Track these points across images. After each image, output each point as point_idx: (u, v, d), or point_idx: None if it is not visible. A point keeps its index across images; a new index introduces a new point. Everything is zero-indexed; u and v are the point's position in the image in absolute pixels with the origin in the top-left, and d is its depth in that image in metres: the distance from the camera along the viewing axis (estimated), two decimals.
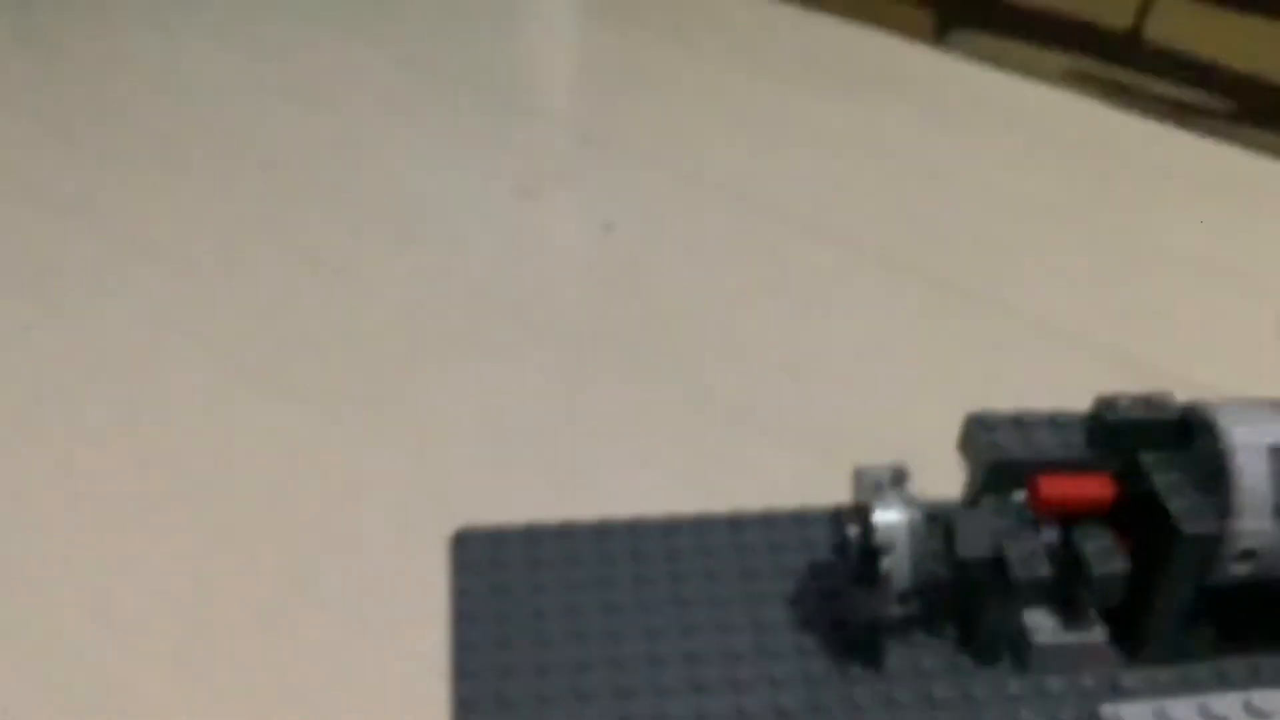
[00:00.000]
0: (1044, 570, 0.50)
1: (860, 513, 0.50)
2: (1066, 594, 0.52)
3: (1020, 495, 0.52)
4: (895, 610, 0.50)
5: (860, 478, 0.51)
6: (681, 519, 0.59)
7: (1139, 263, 0.77)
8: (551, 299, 0.73)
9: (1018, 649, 0.52)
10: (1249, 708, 0.42)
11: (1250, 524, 0.49)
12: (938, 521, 0.51)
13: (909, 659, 0.53)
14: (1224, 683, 0.52)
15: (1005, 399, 0.56)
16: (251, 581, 0.56)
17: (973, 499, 0.53)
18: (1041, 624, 0.52)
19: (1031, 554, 0.50)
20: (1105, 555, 0.50)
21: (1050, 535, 0.51)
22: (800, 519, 0.59)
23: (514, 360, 0.69)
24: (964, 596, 0.52)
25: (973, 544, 0.51)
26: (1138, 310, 0.73)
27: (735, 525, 0.59)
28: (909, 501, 0.50)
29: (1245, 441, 0.49)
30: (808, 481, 0.61)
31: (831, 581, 0.55)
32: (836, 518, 0.51)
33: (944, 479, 0.55)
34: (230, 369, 0.67)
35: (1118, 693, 0.51)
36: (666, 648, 0.53)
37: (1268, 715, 0.42)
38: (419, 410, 0.65)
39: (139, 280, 0.73)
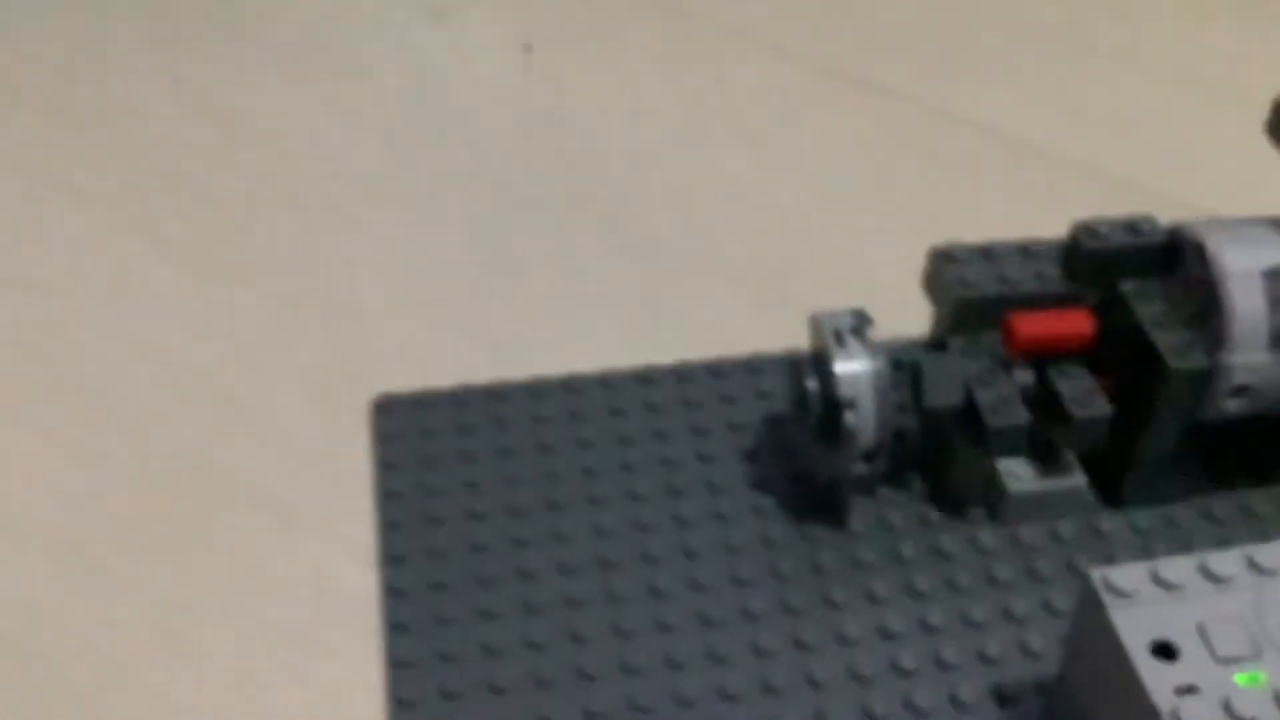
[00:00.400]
0: (1019, 417, 0.46)
1: (819, 364, 0.46)
2: (1043, 440, 0.48)
3: (991, 335, 0.48)
4: (860, 468, 0.46)
5: (818, 325, 0.46)
6: (622, 373, 0.54)
7: (1114, 73, 0.72)
8: (469, 136, 0.67)
9: (991, 500, 0.49)
10: (1253, 566, 0.38)
11: (1244, 357, 0.45)
12: (904, 369, 0.47)
13: (875, 516, 0.49)
14: (1214, 527, 0.48)
15: (973, 228, 0.51)
16: (152, 467, 0.51)
17: (940, 341, 0.49)
18: (1016, 472, 0.48)
19: (1005, 400, 0.46)
20: (1086, 397, 0.46)
21: (1025, 377, 0.47)
22: (752, 368, 0.54)
23: (431, 209, 0.62)
24: (933, 447, 0.48)
25: (942, 392, 0.46)
26: (1116, 124, 0.68)
27: (682, 377, 0.54)
28: (872, 350, 0.45)
29: (1238, 267, 0.45)
30: (759, 328, 0.56)
31: (789, 436, 0.51)
32: (794, 370, 0.47)
33: (908, 318, 0.51)
34: (113, 226, 0.60)
35: (1099, 540, 0.48)
36: (613, 517, 0.49)
37: (1274, 572, 0.39)
38: (329, 269, 0.59)
39: (13, 132, 0.65)
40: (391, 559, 0.47)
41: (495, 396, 0.53)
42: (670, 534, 0.48)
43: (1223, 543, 0.48)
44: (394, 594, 0.46)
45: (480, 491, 0.49)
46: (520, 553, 0.47)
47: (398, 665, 0.44)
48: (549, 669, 0.44)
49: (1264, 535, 0.48)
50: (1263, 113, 0.46)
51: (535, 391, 0.53)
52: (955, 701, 0.43)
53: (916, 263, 0.50)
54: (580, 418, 0.52)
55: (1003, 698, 0.44)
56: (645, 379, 0.54)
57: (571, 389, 0.53)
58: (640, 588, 0.46)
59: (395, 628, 0.45)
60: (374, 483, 0.50)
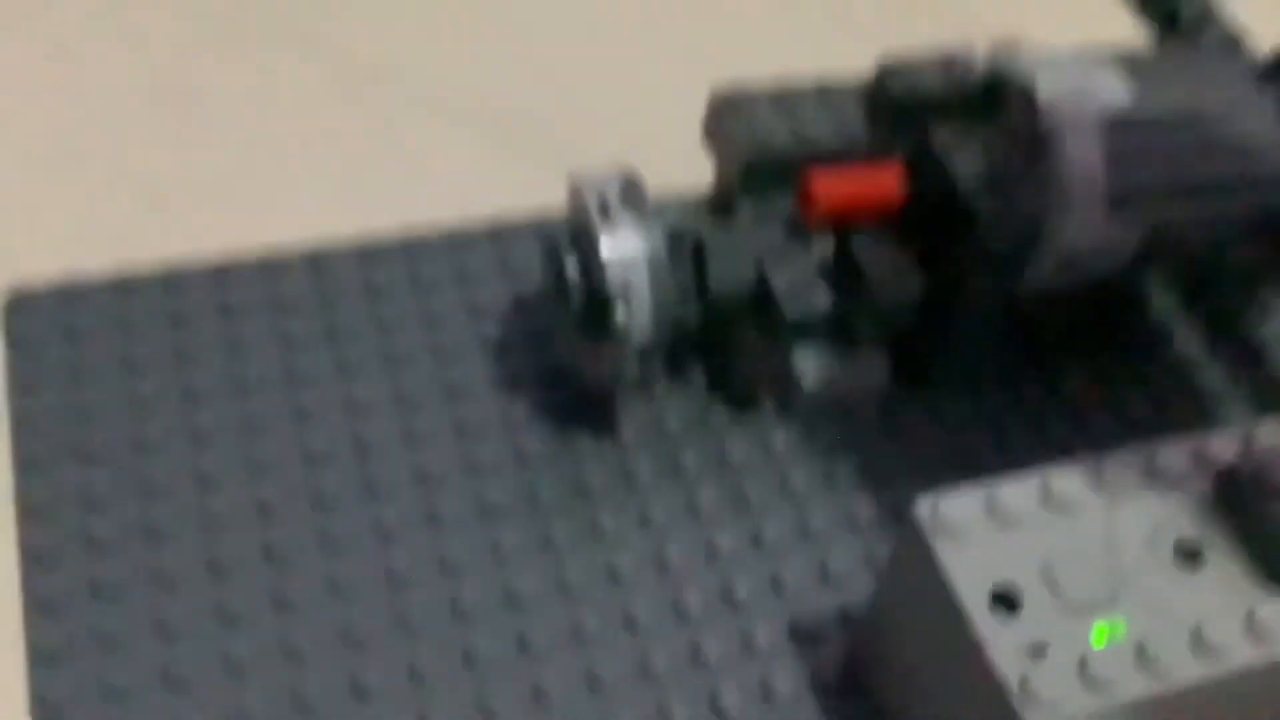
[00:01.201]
0: (820, 302, 0.38)
1: (581, 244, 0.36)
2: (843, 322, 0.40)
3: (784, 196, 0.40)
4: (633, 370, 0.37)
5: (578, 192, 0.37)
6: (335, 248, 0.43)
7: None
8: None
9: (783, 394, 0.41)
10: (1101, 485, 0.32)
11: (1076, 222, 0.38)
12: (683, 242, 0.38)
13: (649, 421, 0.41)
14: (1030, 416, 0.42)
15: (761, 63, 0.43)
16: None
17: (724, 203, 0.40)
18: (811, 361, 0.41)
19: (803, 282, 0.38)
20: (894, 274, 0.39)
21: (824, 248, 0.39)
22: (497, 236, 0.44)
23: (84, 32, 0.49)
24: (718, 335, 0.40)
25: (729, 275, 0.38)
26: None
27: (410, 250, 0.44)
28: (646, 226, 0.36)
29: (1072, 115, 0.37)
30: (503, 183, 0.46)
31: (546, 323, 0.42)
32: (550, 254, 0.37)
33: (686, 169, 0.42)
34: None
35: (905, 437, 0.41)
36: (325, 435, 0.39)
37: (1124, 491, 0.33)
38: None
39: None
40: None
41: (169, 284, 0.42)
42: (399, 454, 0.39)
43: (1038, 432, 0.42)
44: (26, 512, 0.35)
45: (148, 410, 0.39)
46: (206, 494, 0.37)
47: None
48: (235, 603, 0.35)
49: (1087, 430, 0.42)
50: None
51: (223, 275, 0.42)
52: (748, 645, 0.36)
53: (695, 106, 0.41)
54: (281, 307, 0.42)
55: (801, 635, 0.37)
56: (365, 254, 0.43)
57: (270, 270, 0.42)
58: (364, 527, 0.37)
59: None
60: (6, 400, 0.38)
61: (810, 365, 0.40)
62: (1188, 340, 0.45)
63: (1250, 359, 0.45)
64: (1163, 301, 0.46)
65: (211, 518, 0.37)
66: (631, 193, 0.36)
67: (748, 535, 0.39)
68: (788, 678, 0.36)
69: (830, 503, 0.40)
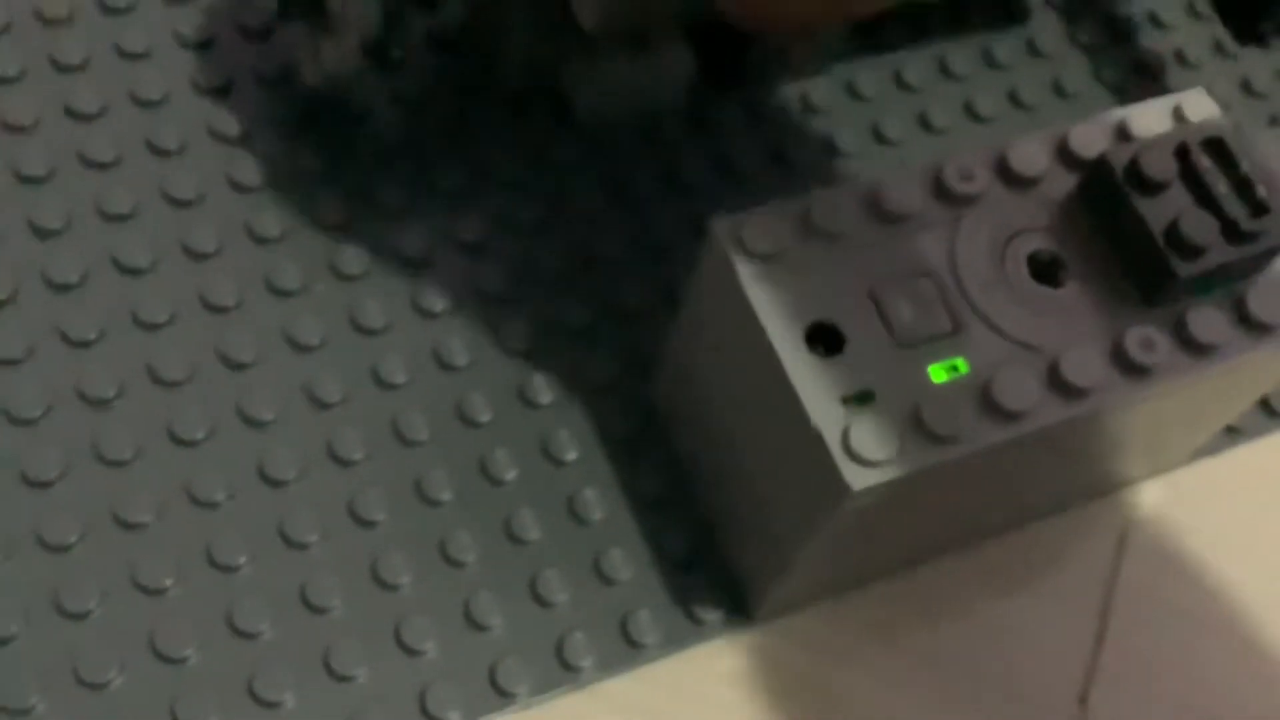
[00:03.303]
0: None
1: None
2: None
3: None
4: (360, 61, 0.29)
5: None
6: None
7: None
8: None
9: (563, 95, 0.33)
10: (941, 191, 0.25)
11: None
12: None
13: (397, 137, 0.32)
14: (859, 107, 0.35)
15: None
16: None
17: None
18: (597, 52, 0.33)
19: None
20: None
21: None
22: None
23: None
24: (476, 16, 0.32)
25: None
26: None
27: None
28: None
29: None
30: None
31: (256, 11, 0.33)
32: None
33: None
34: None
35: (709, 140, 0.34)
36: None
37: (969, 197, 0.26)
38: None
39: None
40: None
41: None
42: (78, 185, 0.30)
43: (876, 133, 0.35)
44: None
45: None
46: None
47: None
48: None
49: (924, 118, 0.36)
50: None
51: None
52: (523, 397, 0.30)
53: None
54: None
55: (586, 384, 0.31)
56: None
57: None
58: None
59: None
60: None
61: (595, 61, 0.33)
62: (1044, 19, 0.38)
63: (1115, 40, 0.38)
64: None
65: None
66: None
67: (520, 267, 0.32)
68: (584, 430, 0.30)
69: (618, 225, 0.33)
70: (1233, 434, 0.33)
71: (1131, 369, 0.25)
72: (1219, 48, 0.39)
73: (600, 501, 0.29)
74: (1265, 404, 0.33)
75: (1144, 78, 0.38)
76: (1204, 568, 0.31)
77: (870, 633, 0.29)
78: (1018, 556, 0.31)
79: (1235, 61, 0.39)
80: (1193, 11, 0.39)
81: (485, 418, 0.30)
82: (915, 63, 0.37)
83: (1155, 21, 0.39)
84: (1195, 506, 0.32)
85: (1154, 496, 0.32)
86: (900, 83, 0.36)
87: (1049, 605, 0.30)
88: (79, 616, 0.26)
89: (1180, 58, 0.38)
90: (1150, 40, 0.39)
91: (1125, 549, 0.31)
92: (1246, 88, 0.38)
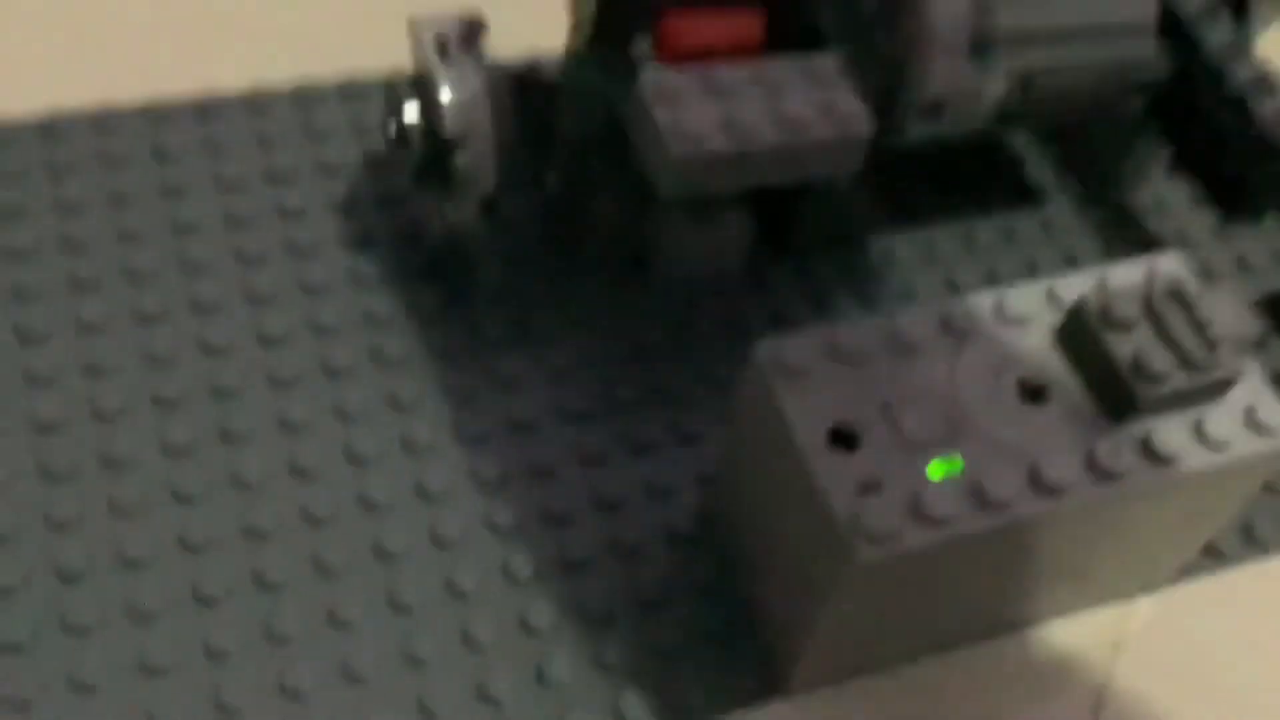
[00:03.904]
0: None
1: (421, 87, 0.35)
2: None
3: (642, 42, 0.38)
4: (477, 219, 0.36)
5: (417, 33, 0.35)
6: (173, 103, 0.41)
7: None
8: None
9: (641, 257, 0.40)
10: (946, 327, 0.31)
11: (941, 68, 0.37)
12: (534, 92, 0.37)
13: (504, 283, 0.39)
14: (899, 272, 0.41)
15: None
16: None
17: (579, 47, 0.39)
18: (670, 224, 0.40)
19: None
20: None
21: None
22: (347, 94, 0.43)
23: None
24: (572, 189, 0.38)
25: (583, 116, 0.36)
26: None
27: (255, 107, 0.42)
28: (487, 68, 0.34)
29: None
30: (355, 40, 0.44)
31: (392, 182, 0.40)
32: (390, 97, 0.35)
33: (540, 25, 0.40)
34: None
35: (761, 291, 0.40)
36: (156, 297, 0.37)
37: (968, 334, 0.32)
38: None
39: None
40: None
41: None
42: (241, 314, 0.37)
43: (907, 292, 0.41)
44: None
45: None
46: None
47: None
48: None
49: (952, 281, 0.42)
50: None
51: (50, 130, 0.40)
52: (600, 502, 0.36)
53: None
54: (111, 162, 0.40)
55: (655, 491, 0.36)
56: (204, 111, 0.41)
57: (102, 127, 0.40)
58: (203, 388, 0.36)
59: None
60: None
61: (670, 228, 0.39)
62: (1060, 203, 0.44)
63: (1123, 222, 0.44)
64: (1038, 164, 0.45)
65: (33, 377, 0.35)
66: (473, 34, 0.35)
67: (600, 394, 0.38)
68: (642, 530, 0.35)
69: (686, 362, 0.39)
70: (1219, 558, 0.37)
71: (1101, 473, 0.30)
72: (1218, 230, 0.45)
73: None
74: (1248, 531, 0.38)
75: (1148, 252, 0.44)
76: (1192, 678, 0.35)
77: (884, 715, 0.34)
78: (1021, 655, 0.35)
79: (1231, 242, 0.44)
80: (1195, 198, 0.45)
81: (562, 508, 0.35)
82: (945, 237, 0.43)
83: (1160, 206, 0.45)
84: (1183, 622, 0.36)
85: (1146, 611, 0.36)
86: (931, 255, 0.42)
87: (1052, 705, 0.34)
88: None
89: (1182, 237, 0.44)
90: (1155, 223, 0.44)
91: (1119, 657, 0.35)
92: (1242, 263, 0.44)
